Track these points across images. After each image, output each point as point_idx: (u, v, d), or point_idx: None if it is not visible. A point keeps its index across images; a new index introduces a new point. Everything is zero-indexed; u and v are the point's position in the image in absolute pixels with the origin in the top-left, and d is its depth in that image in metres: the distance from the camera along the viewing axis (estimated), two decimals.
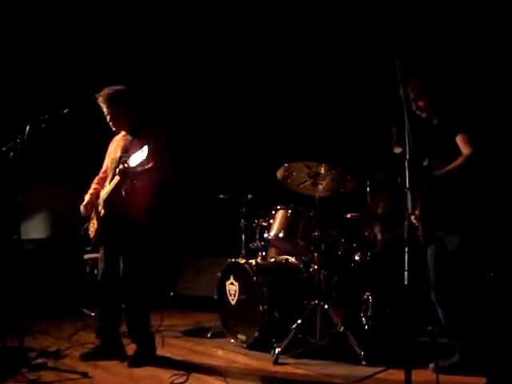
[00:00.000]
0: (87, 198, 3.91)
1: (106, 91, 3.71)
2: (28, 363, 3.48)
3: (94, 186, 3.98)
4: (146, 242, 3.76)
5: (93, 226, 3.82)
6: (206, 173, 6.60)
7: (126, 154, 3.56)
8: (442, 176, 3.07)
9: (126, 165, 3.36)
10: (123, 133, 3.85)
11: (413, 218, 3.02)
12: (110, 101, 3.70)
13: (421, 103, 3.26)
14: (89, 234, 3.83)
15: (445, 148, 3.13)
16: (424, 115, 3.31)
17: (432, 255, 3.28)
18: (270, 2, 5.84)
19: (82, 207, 3.89)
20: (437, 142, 3.22)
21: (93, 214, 3.85)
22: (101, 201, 3.72)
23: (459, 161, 3.03)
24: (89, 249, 3.80)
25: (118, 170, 3.43)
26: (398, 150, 3.54)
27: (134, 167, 3.33)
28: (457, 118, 3.12)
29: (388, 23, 5.11)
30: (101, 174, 3.99)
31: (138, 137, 3.67)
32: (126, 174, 3.43)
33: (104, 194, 3.69)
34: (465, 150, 3.03)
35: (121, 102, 3.72)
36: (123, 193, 3.53)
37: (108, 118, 3.75)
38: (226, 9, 6.00)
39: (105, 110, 3.73)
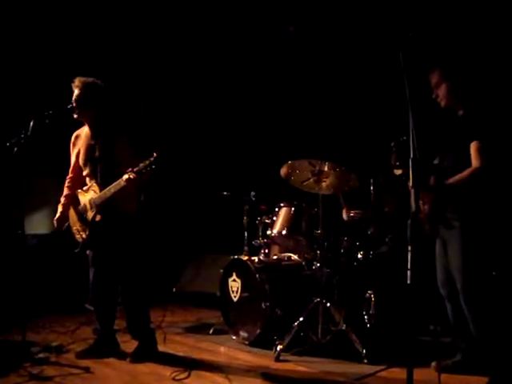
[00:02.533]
0: (60, 209, 3.85)
1: (83, 78, 3.71)
2: (30, 357, 3.50)
3: (65, 191, 3.90)
4: (141, 236, 3.78)
5: (77, 232, 3.77)
6: (210, 169, 6.60)
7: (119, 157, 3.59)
8: (448, 187, 3.04)
9: (132, 175, 3.38)
10: (87, 129, 3.80)
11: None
12: (85, 86, 3.68)
13: (444, 90, 3.19)
14: (73, 234, 3.81)
15: (463, 147, 3.06)
16: (443, 103, 3.22)
17: (439, 251, 3.28)
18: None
19: (55, 221, 3.85)
20: (456, 138, 3.13)
21: (74, 219, 3.79)
22: (93, 205, 3.65)
23: (466, 174, 2.98)
24: (77, 250, 3.79)
25: (127, 178, 3.39)
26: (398, 171, 3.56)
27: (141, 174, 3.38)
28: (479, 117, 3.04)
29: (394, 22, 5.09)
30: (70, 174, 3.92)
31: (119, 134, 3.68)
32: (136, 181, 3.45)
33: (97, 198, 3.61)
34: (475, 161, 2.97)
35: (95, 92, 3.70)
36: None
37: (76, 103, 3.67)
38: (229, 5, 5.99)
39: (75, 94, 3.68)
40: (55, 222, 3.86)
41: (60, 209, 3.87)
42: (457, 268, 3.06)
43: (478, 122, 3.02)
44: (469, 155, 3.01)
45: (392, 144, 3.33)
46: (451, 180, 3.04)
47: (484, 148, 2.96)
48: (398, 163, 3.43)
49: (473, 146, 2.98)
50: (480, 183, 2.98)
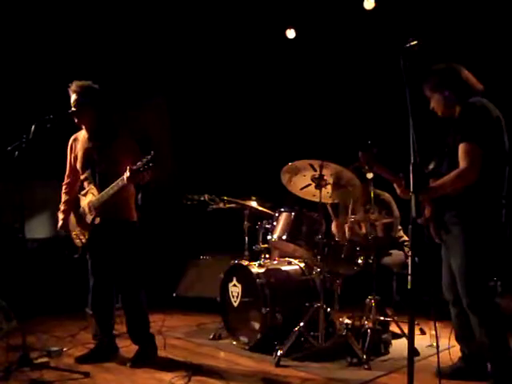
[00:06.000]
0: (61, 216, 3.86)
1: (80, 82, 3.72)
2: (30, 362, 3.48)
3: (64, 197, 3.90)
4: (140, 242, 3.79)
5: (76, 237, 3.79)
6: (212, 174, 6.61)
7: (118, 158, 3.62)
8: (433, 189, 3.03)
9: (132, 173, 3.38)
10: (85, 133, 3.81)
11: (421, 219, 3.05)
12: (82, 90, 3.69)
13: (435, 101, 3.20)
14: (72, 239, 3.83)
15: (456, 151, 3.02)
16: (439, 113, 3.23)
17: (444, 256, 3.27)
18: (273, 3, 5.86)
19: (59, 229, 3.85)
20: (451, 143, 3.11)
21: (74, 224, 3.81)
22: (92, 208, 3.67)
23: (451, 175, 2.97)
24: (77, 256, 3.80)
25: (128, 177, 3.39)
26: (369, 175, 3.57)
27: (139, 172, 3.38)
28: (468, 120, 3.01)
29: (395, 27, 5.12)
30: (67, 180, 3.93)
31: (117, 136, 3.70)
32: (136, 180, 3.47)
33: (96, 200, 3.64)
34: (461, 162, 2.96)
35: (92, 95, 3.71)
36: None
37: (75, 107, 3.68)
38: (231, 8, 6.02)
39: (73, 98, 3.69)
40: (60, 231, 3.86)
41: (61, 216, 3.88)
42: (459, 272, 3.05)
43: (466, 124, 3.01)
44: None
45: (360, 154, 3.36)
46: (437, 182, 3.04)
47: (470, 150, 2.94)
48: (366, 167, 3.45)
49: (461, 148, 2.97)
50: (476, 186, 2.96)
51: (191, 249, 6.14)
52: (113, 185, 3.52)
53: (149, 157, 3.32)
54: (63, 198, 3.92)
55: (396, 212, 4.54)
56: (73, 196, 3.89)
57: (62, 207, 3.90)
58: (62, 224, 3.86)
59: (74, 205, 3.84)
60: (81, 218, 3.76)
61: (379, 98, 5.61)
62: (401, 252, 4.49)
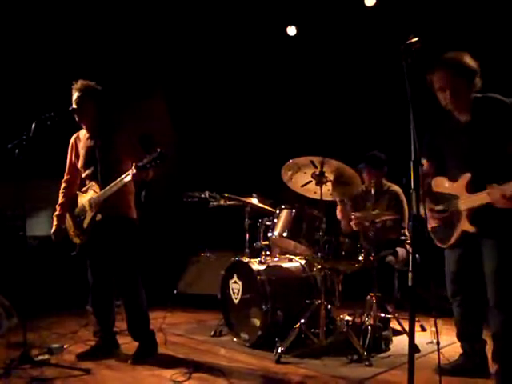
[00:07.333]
0: (55, 221, 3.88)
1: (85, 81, 3.74)
2: (31, 359, 3.49)
3: (60, 199, 3.92)
4: (140, 239, 3.80)
5: (74, 235, 3.80)
6: (213, 171, 6.60)
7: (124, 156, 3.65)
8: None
9: (135, 169, 3.37)
10: (85, 132, 3.83)
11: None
12: (85, 89, 3.71)
13: (453, 92, 3.00)
14: (70, 237, 3.84)
15: (474, 152, 2.94)
16: (453, 106, 3.05)
17: (452, 258, 3.21)
18: (273, 1, 5.85)
19: (52, 235, 3.87)
20: (461, 144, 3.02)
21: (70, 223, 3.83)
22: (93, 205, 3.66)
23: None
24: (74, 253, 3.81)
25: (133, 174, 3.38)
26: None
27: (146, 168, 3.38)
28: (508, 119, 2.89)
29: (396, 24, 5.11)
30: (66, 176, 3.94)
31: (119, 134, 3.71)
32: (141, 176, 3.47)
33: (97, 197, 3.63)
34: None
35: (94, 95, 3.74)
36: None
37: (77, 105, 3.70)
38: (231, 6, 6.02)
39: (76, 96, 3.70)
40: (53, 236, 3.88)
41: (55, 221, 3.88)
42: (494, 272, 2.96)
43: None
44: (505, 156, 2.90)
45: None
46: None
47: None
48: None
49: None
50: None
51: (192, 246, 6.14)
52: (117, 181, 3.51)
53: (155, 154, 3.29)
54: (60, 199, 3.93)
55: (405, 205, 4.53)
56: (70, 197, 3.89)
57: (57, 211, 3.91)
58: (56, 230, 3.87)
59: (69, 208, 3.85)
60: (77, 217, 3.77)
61: (380, 94, 5.60)
62: (403, 249, 4.49)
